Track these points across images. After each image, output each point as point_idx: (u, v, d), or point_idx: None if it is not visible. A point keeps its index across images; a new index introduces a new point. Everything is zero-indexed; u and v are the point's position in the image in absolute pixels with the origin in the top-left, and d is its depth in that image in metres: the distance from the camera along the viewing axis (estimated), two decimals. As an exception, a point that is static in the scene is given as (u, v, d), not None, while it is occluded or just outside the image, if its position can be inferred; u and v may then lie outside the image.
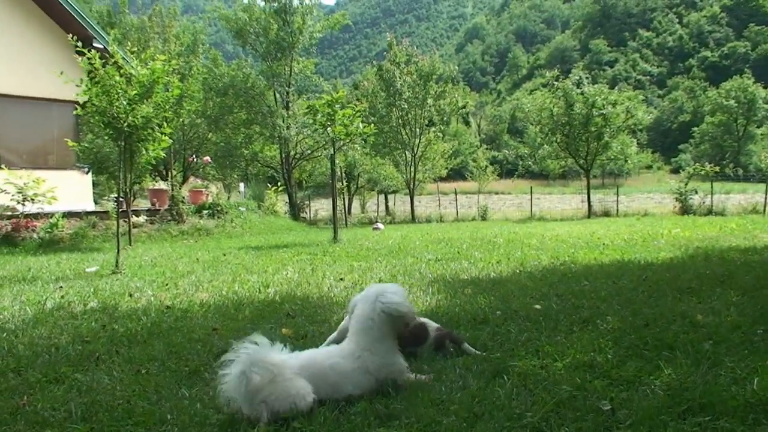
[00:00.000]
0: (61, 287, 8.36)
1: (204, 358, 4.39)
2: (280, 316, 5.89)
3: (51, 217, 17.55)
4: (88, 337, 5.18)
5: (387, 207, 39.31)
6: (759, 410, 2.86)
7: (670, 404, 2.92)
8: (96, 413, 3.24)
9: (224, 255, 12.80)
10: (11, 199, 17.38)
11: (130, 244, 15.89)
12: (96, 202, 23.83)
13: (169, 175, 23.65)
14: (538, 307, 5.81)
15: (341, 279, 8.45)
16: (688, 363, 3.66)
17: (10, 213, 17.35)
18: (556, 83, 29.58)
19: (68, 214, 18.23)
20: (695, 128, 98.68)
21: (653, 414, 2.75)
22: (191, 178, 28.80)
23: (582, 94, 28.65)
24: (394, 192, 39.79)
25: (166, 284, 8.46)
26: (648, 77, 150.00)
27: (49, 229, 17.23)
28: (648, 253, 10.19)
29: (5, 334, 5.36)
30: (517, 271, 8.71)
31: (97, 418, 3.13)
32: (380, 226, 23.58)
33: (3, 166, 18.23)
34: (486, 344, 4.49)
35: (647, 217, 25.20)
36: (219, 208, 21.30)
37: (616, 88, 35.61)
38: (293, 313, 6.02)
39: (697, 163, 29.14)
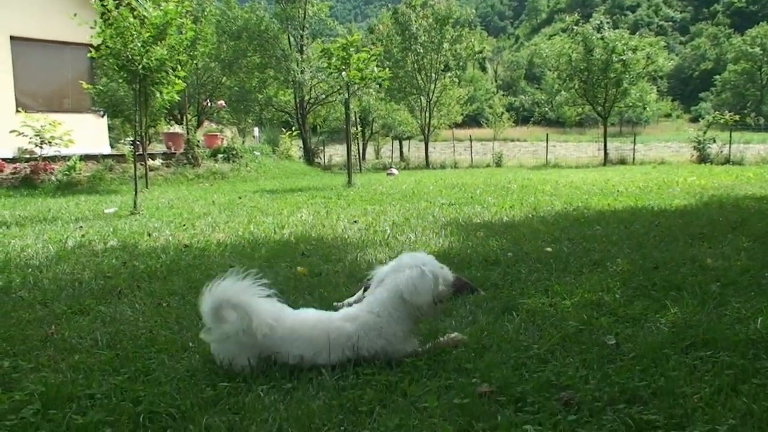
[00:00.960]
0: (81, 227, 8.54)
1: (222, 293, 4.52)
2: (295, 255, 6.02)
3: (68, 160, 17.73)
4: (110, 273, 5.34)
5: (401, 153, 39.19)
6: (760, 346, 2.94)
7: (674, 340, 3.01)
8: (120, 341, 3.39)
9: (239, 198, 12.94)
10: (29, 142, 17.56)
11: (147, 187, 16.08)
12: (112, 146, 23.99)
13: (184, 119, 23.60)
14: (549, 249, 5.88)
15: (355, 221, 8.56)
16: (695, 303, 3.73)
17: (28, 156, 17.57)
18: (575, 28, 28.97)
19: (85, 157, 18.40)
20: (717, 76, 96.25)
21: (656, 348, 2.84)
22: (206, 123, 28.76)
23: (602, 39, 28.05)
24: (409, 138, 39.59)
25: (184, 225, 8.61)
26: (670, 23, 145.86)
27: (66, 172, 17.45)
28: (662, 200, 10.18)
29: (30, 269, 5.53)
30: (530, 215, 8.76)
31: (121, 346, 3.27)
32: (394, 171, 23.62)
33: (20, 109, 18.34)
34: (496, 283, 4.59)
35: (663, 165, 25.02)
36: (234, 152, 21.38)
37: (638, 33, 34.73)
38: (308, 252, 6.14)
39: (717, 112, 28.63)
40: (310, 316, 3.12)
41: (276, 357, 2.88)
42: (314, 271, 5.27)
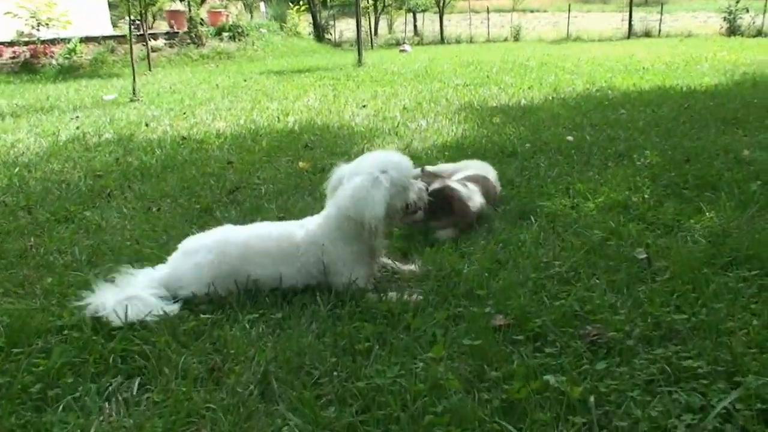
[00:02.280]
0: (78, 117, 8.16)
1: (216, 194, 4.22)
2: (298, 147, 5.64)
3: (68, 43, 17.02)
4: (101, 171, 5.03)
5: (415, 27, 37.42)
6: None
7: (712, 254, 2.67)
8: (102, 256, 3.13)
9: (245, 80, 12.38)
10: (25, 24, 16.77)
11: (149, 70, 15.48)
12: (114, 26, 22.98)
13: (186, -6, 22.42)
14: (570, 138, 5.45)
15: (364, 106, 8.09)
16: (732, 206, 3.36)
17: (27, 39, 16.85)
18: None
19: (86, 39, 17.63)
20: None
21: (693, 266, 2.51)
22: (209, -2, 27.35)
23: None
24: (423, 11, 37.62)
25: (184, 113, 8.20)
26: None
27: (67, 55, 16.79)
28: (691, 79, 9.50)
29: (18, 168, 5.23)
30: (550, 97, 8.21)
31: (102, 262, 3.01)
32: (407, 48, 22.55)
33: (12, -12, 17.36)
34: (513, 180, 4.22)
35: (691, 38, 23.62)
36: (239, 30, 20.41)
37: None
38: (312, 144, 5.76)
39: (753, -24, 26.57)
40: (264, 227, 2.76)
41: (238, 279, 2.56)
42: (317, 165, 4.92)
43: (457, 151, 5.15)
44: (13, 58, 16.54)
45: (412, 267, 2.82)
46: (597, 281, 2.48)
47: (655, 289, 2.36)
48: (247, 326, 2.25)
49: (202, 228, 3.48)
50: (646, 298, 2.28)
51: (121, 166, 5.22)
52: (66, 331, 2.26)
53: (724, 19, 24.35)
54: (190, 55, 18.34)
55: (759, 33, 23.03)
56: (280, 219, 3.59)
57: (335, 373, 1.89)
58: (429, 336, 2.10)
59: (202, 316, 2.34)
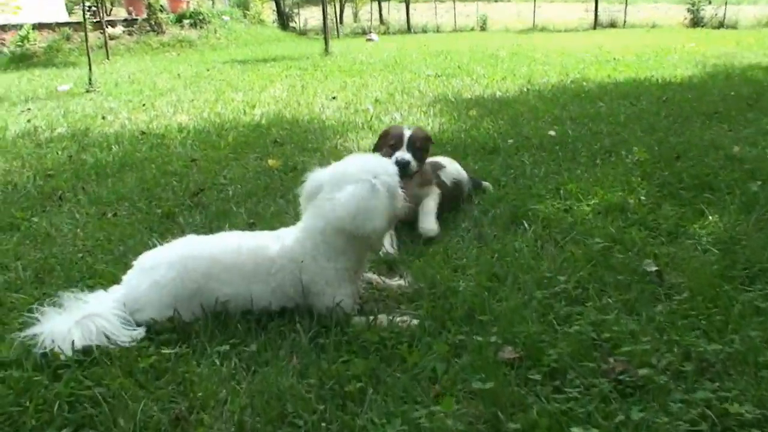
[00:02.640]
0: (29, 109, 7.66)
1: (179, 196, 3.87)
2: (267, 143, 5.31)
3: (20, 29, 16.23)
4: (52, 170, 4.63)
5: (381, 16, 37.00)
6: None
7: (726, 266, 2.46)
8: (50, 271, 2.78)
9: (207, 70, 11.91)
10: (-30, 9, 15.97)
11: (107, 58, 14.82)
12: (70, 12, 22.08)
13: (145, -21, 21.65)
14: (552, 133, 5.23)
15: (333, 98, 7.76)
16: (736, 208, 3.16)
17: (-25, 24, 16.03)
18: None
19: (39, 26, 16.83)
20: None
21: (710, 281, 2.29)
22: (169, -17, 26.51)
23: None
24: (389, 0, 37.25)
25: (143, 104, 7.76)
26: None
27: (19, 43, 16.02)
28: (664, 70, 9.39)
29: (-41, 167, 4.80)
30: (524, 89, 8.00)
31: (48, 280, 2.66)
32: (374, 37, 22.19)
33: (-44, -31, 16.46)
34: (498, 179, 3.97)
35: (656, 29, 23.71)
36: (201, 17, 19.73)
37: None
38: (281, 139, 5.43)
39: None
40: (233, 239, 2.41)
41: (207, 302, 2.25)
42: (288, 163, 4.60)
43: (436, 147, 4.87)
44: (-37, 45, 15.74)
45: (401, 282, 2.55)
46: (609, 300, 2.23)
47: (675, 311, 2.13)
48: (217, 361, 1.95)
49: (163, 236, 3.17)
50: (666, 321, 2.05)
51: (75, 164, 4.82)
52: (3, 371, 1.92)
53: (688, 10, 24.53)
54: (150, 43, 17.68)
55: (721, 24, 23.25)
56: (250, 225, 3.31)
57: (324, 425, 1.60)
58: (429, 372, 1.83)
59: (163, 350, 2.02)
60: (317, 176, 2.34)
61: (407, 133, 3.25)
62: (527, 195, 3.61)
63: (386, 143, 3.30)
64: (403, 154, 3.15)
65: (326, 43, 14.58)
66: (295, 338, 2.07)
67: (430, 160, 3.53)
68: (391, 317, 2.18)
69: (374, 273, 2.59)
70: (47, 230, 3.35)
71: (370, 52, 15.06)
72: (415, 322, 2.14)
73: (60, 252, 3.02)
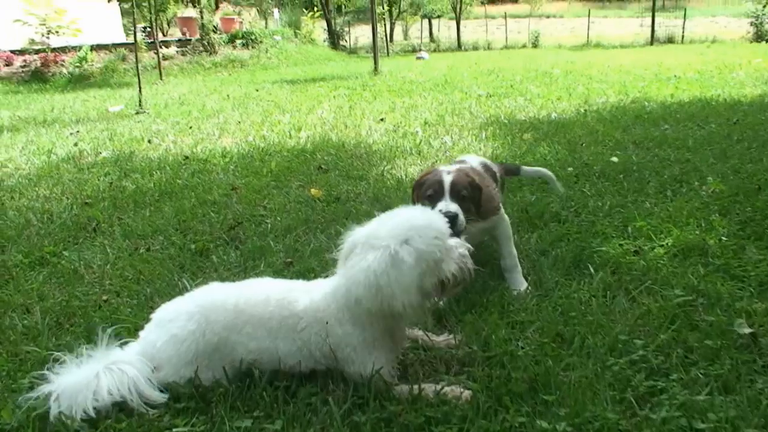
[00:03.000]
0: (78, 132, 7.68)
1: (216, 230, 3.66)
2: (311, 169, 5.09)
3: (79, 51, 16.67)
4: (91, 198, 4.51)
5: (431, 33, 36.91)
6: None
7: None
8: (71, 316, 2.58)
9: (257, 90, 11.88)
10: (35, 32, 16.48)
11: (161, 78, 15.06)
12: (127, 33, 22.64)
13: (199, 1, 22.06)
14: (614, 159, 4.85)
15: (381, 119, 7.53)
16: (839, 254, 2.75)
17: (37, 47, 16.52)
18: None
19: (97, 47, 17.29)
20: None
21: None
22: (223, 5, 27.01)
23: None
24: (439, 17, 37.16)
25: (190, 126, 7.69)
26: None
27: (77, 64, 16.43)
28: (730, 89, 8.84)
29: (1, 193, 4.73)
30: (582, 110, 7.60)
31: (67, 328, 2.46)
32: (424, 54, 22.02)
33: (21, -4, 17.08)
34: (558, 214, 3.63)
35: (717, 44, 22.79)
36: (253, 37, 19.94)
37: None
38: (326, 165, 5.21)
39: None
40: (260, 288, 2.13)
41: (229, 359, 2.01)
42: (331, 193, 4.36)
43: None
44: (24, 66, 16.24)
45: (450, 339, 2.25)
46: (698, 373, 1.88)
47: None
48: (237, 444, 1.69)
49: (195, 276, 2.97)
50: (773, 406, 1.69)
51: (115, 191, 4.69)
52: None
53: (751, 23, 23.55)
54: (203, 63, 17.91)
55: (789, 38, 22.20)
56: (287, 264, 3.06)
57: None
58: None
59: (177, 426, 1.76)
60: (354, 236, 2.01)
61: (447, 179, 2.58)
62: (591, 233, 3.27)
63: (423, 194, 2.65)
64: (448, 206, 2.50)
65: (375, 62, 14.43)
66: (327, 412, 1.79)
67: (468, 164, 3.00)
68: (438, 387, 1.88)
69: (419, 328, 2.30)
70: (76, 267, 3.18)
71: (420, 70, 14.86)
72: (467, 394, 1.84)
73: (85, 293, 2.84)
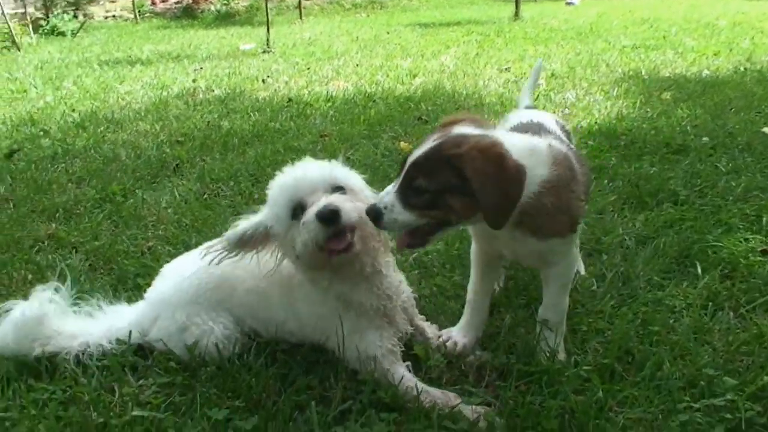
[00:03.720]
0: (201, 68, 7.78)
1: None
2: (410, 120, 4.73)
3: (231, -11, 17.16)
4: (184, 136, 4.47)
5: (589, -22, 34.35)
6: None
7: None
8: (110, 261, 2.48)
9: (387, 33, 11.54)
10: (189, -32, 17.13)
11: (300, 18, 15.11)
12: (275, -29, 23.02)
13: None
14: (766, 130, 4.06)
15: (507, 69, 6.95)
16: None
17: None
18: None
19: (244, -15, 17.73)
20: None
21: None
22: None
23: None
24: (600, -41, 34.37)
25: (308, 68, 7.54)
26: None
27: (225, 1, 16.92)
28: None
29: (105, 126, 4.82)
30: (741, 68, 6.55)
31: (102, 274, 2.37)
32: (575, 0, 20.44)
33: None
34: (676, 192, 3.04)
35: None
36: (396, -22, 19.49)
37: None
38: (427, 116, 4.82)
39: None
40: None
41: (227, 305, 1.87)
42: (424, 147, 3.99)
43: (606, 139, 3.98)
44: (177, 2, 16.98)
45: (447, 337, 1.88)
46: None
47: None
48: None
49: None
50: None
51: (210, 130, 4.62)
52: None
53: None
54: (343, 4, 17.80)
55: None
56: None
57: None
58: None
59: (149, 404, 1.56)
60: None
61: (416, 155, 1.62)
62: (712, 221, 2.68)
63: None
64: (388, 198, 1.61)
65: (517, 5, 13.52)
66: (307, 419, 1.50)
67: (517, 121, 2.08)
68: (452, 402, 1.53)
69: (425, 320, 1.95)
70: (138, 208, 3.10)
71: (566, 17, 13.74)
72: (483, 424, 1.47)
73: (134, 237, 2.73)
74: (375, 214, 1.60)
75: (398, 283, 1.83)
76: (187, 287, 1.86)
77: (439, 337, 1.90)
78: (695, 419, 1.44)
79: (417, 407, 1.51)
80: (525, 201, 1.56)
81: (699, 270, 2.24)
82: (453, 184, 1.53)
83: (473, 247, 1.90)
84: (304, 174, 1.67)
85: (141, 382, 1.72)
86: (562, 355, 1.76)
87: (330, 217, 1.55)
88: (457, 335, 1.88)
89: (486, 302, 1.91)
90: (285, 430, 1.48)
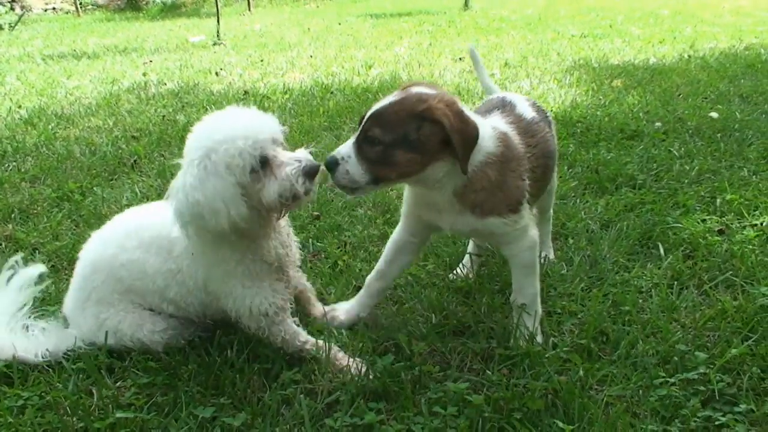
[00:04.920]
0: (150, 62, 7.59)
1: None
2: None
3: (170, -22, 16.77)
4: (139, 132, 4.36)
5: (534, -32, 34.88)
6: None
7: None
8: (73, 262, 2.41)
9: (339, 24, 11.47)
10: (130, -42, 16.65)
11: (249, 10, 14.87)
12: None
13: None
14: (714, 115, 4.22)
15: (460, 59, 7.01)
16: None
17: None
18: None
19: (188, -25, 17.36)
20: None
21: None
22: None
23: None
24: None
25: (262, 60, 7.44)
26: None
27: (170, -7, 16.55)
28: None
29: (56, 122, 4.66)
30: (686, 56, 6.78)
31: (66, 275, 2.30)
32: (523, -10, 20.69)
33: None
34: (634, 176, 3.14)
35: None
36: (344, -31, 19.37)
37: None
38: (387, 107, 4.83)
39: None
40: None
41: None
42: (385, 138, 4.00)
43: (563, 127, 4.07)
44: (120, -7, 16.52)
45: (331, 311, 2.03)
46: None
47: None
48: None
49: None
50: None
51: (166, 125, 4.52)
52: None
53: None
54: (293, -6, 17.59)
55: None
56: (314, 217, 2.78)
57: None
58: None
59: (132, 406, 1.53)
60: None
61: (376, 108, 1.71)
62: (670, 203, 2.78)
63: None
64: (345, 149, 1.69)
65: (467, -6, 13.62)
66: (295, 412, 1.51)
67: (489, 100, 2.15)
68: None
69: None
70: (98, 206, 3.02)
71: (515, 7, 13.92)
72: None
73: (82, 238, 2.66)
74: (331, 164, 1.66)
75: (288, 233, 1.89)
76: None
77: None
78: (672, 393, 1.50)
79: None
80: (470, 169, 1.65)
81: (662, 251, 2.32)
82: (407, 139, 1.62)
83: (397, 229, 1.99)
84: (262, 127, 1.66)
85: (119, 383, 1.69)
86: (539, 338, 1.80)
87: (315, 172, 1.63)
88: (340, 311, 2.01)
89: (383, 286, 2.00)
90: (273, 424, 1.48)
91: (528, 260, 1.82)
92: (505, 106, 2.00)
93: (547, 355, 1.65)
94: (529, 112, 1.98)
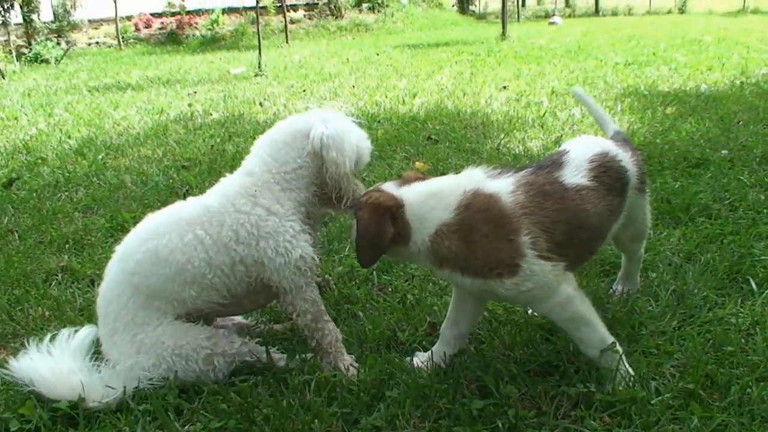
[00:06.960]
0: (195, 92, 7.68)
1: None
2: (420, 140, 4.65)
3: (211, 14, 17.17)
4: (190, 161, 4.35)
5: (567, -2, 34.89)
6: None
7: None
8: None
9: (377, 54, 11.53)
10: (173, -5, 17.14)
11: (286, 42, 15.08)
12: (258, -3, 23.10)
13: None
14: (780, 142, 4.04)
15: (504, 87, 6.93)
16: None
17: (174, 9, 17.20)
18: None
19: (228, 10, 17.76)
20: None
21: None
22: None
23: None
24: (577, -20, 34.95)
25: (304, 90, 7.46)
26: None
27: (209, 26, 16.91)
28: None
29: (105, 152, 4.68)
30: (737, 82, 6.59)
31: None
32: (557, 20, 20.69)
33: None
34: (708, 206, 2.97)
35: None
36: (379, 1, 19.60)
37: None
38: (437, 135, 4.75)
39: None
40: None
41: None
42: (438, 167, 3.92)
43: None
44: (161, 28, 16.93)
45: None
46: None
47: None
48: None
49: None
50: None
51: (215, 154, 4.51)
52: None
53: None
54: (328, 27, 17.83)
55: None
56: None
57: None
58: None
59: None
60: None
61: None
62: (752, 234, 2.61)
63: None
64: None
65: (503, 26, 13.60)
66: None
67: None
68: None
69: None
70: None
71: (552, 36, 13.86)
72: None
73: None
74: None
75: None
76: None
77: None
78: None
79: None
80: (426, 242, 1.67)
81: (753, 285, 2.16)
82: None
83: None
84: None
85: (188, 427, 1.59)
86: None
87: None
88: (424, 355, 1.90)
89: (455, 334, 1.87)
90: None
91: (565, 317, 1.65)
92: (543, 168, 1.80)
93: (652, 401, 1.51)
94: (574, 179, 1.75)
